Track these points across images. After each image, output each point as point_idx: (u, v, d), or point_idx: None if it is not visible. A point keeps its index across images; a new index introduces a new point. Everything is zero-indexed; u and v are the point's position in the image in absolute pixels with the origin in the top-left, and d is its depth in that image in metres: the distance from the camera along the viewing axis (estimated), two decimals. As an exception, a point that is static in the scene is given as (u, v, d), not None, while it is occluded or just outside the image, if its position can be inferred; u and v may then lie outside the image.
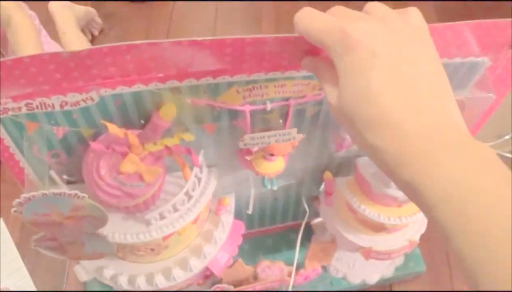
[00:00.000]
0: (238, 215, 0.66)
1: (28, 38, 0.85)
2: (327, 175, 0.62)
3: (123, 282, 0.58)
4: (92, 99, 0.43)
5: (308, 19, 0.33)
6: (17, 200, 0.41)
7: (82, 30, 1.15)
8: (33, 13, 0.99)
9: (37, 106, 0.42)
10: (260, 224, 0.77)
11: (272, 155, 0.50)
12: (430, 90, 0.30)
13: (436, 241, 0.80)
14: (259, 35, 0.36)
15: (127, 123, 0.46)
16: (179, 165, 0.49)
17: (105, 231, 0.49)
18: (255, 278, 0.71)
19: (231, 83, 0.43)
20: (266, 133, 0.46)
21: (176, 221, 0.52)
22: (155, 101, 0.44)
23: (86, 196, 0.42)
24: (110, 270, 0.58)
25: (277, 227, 0.80)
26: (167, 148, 0.47)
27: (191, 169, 0.52)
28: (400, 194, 0.53)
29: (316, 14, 0.33)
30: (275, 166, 0.52)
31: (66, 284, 0.79)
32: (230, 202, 0.63)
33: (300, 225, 0.73)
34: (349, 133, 0.33)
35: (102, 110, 0.44)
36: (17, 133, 0.45)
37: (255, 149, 0.52)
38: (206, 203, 0.55)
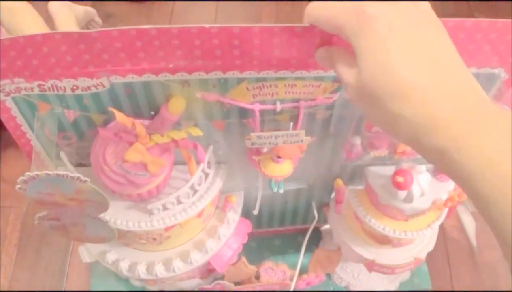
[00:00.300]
0: (247, 213, 0.65)
1: (34, 21, 0.85)
2: (338, 182, 0.61)
3: (123, 268, 0.58)
4: (103, 86, 0.43)
5: (320, 7, 0.33)
6: (22, 178, 0.42)
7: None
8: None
9: (49, 88, 0.43)
10: (268, 224, 0.77)
11: (279, 157, 0.49)
12: (448, 61, 0.30)
13: (436, 242, 0.78)
14: (267, 24, 0.36)
15: (137, 113, 0.47)
16: (185, 159, 0.49)
17: (107, 216, 0.50)
18: (257, 278, 0.70)
19: (240, 79, 0.42)
20: (274, 133, 0.45)
21: (178, 214, 0.52)
22: (164, 93, 0.44)
23: (88, 180, 0.42)
24: (112, 254, 0.59)
25: (286, 229, 0.79)
26: (174, 141, 0.47)
27: (198, 163, 0.51)
28: (406, 207, 0.52)
29: (327, 1, 0.33)
30: (282, 169, 0.51)
31: (66, 284, 0.80)
32: (238, 200, 0.62)
33: (309, 229, 0.73)
34: (369, 113, 0.32)
35: (112, 97, 0.45)
36: (29, 112, 0.46)
37: (265, 150, 0.51)
38: (212, 199, 0.55)
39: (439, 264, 0.81)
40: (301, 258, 0.68)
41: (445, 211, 0.57)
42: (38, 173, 0.41)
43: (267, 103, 0.45)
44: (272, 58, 0.40)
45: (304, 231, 0.74)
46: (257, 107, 0.45)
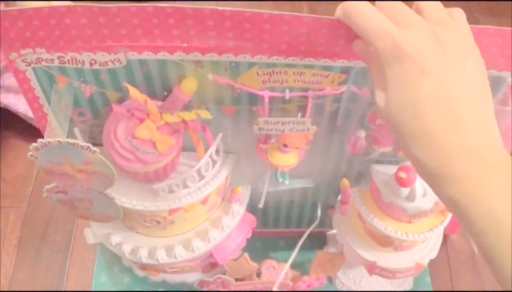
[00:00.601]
0: (253, 210, 0.66)
1: None
2: (344, 182, 0.62)
3: (126, 251, 0.59)
4: (120, 62, 0.45)
5: (360, 14, 0.33)
6: (34, 144, 0.43)
7: None
8: None
9: (68, 61, 0.45)
10: (274, 224, 0.77)
11: (285, 145, 0.50)
12: (474, 111, 0.31)
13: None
14: (277, 12, 0.37)
15: (151, 92, 0.48)
16: (193, 140, 0.50)
17: (113, 193, 0.51)
18: (258, 276, 0.70)
19: (251, 63, 0.43)
20: (281, 120, 0.46)
21: (183, 197, 0.53)
22: (178, 73, 0.46)
23: (98, 150, 0.44)
24: (116, 237, 0.60)
25: (292, 231, 0.79)
26: (183, 121, 0.48)
27: (206, 149, 0.53)
28: (409, 206, 0.52)
29: (369, 8, 0.33)
30: (288, 159, 0.52)
31: (66, 284, 0.80)
32: (244, 192, 0.63)
33: (316, 233, 0.73)
34: (395, 138, 0.34)
35: (128, 75, 0.46)
36: (48, 85, 0.48)
37: (272, 140, 0.52)
38: (217, 186, 0.56)
39: (439, 264, 0.81)
40: (294, 254, 0.68)
41: (449, 216, 0.57)
42: (50, 140, 0.43)
43: (277, 91, 0.47)
44: (281, 44, 0.41)
45: (310, 235, 0.75)
46: (266, 93, 0.46)
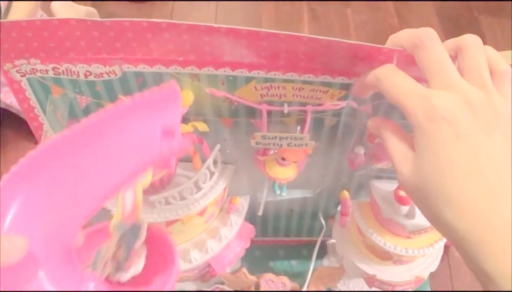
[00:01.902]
0: (252, 220, 0.65)
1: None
2: (344, 194, 0.61)
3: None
4: (115, 73, 0.44)
5: (392, 77, 0.33)
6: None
7: None
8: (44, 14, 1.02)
9: (63, 72, 0.44)
10: (274, 233, 0.76)
11: (283, 159, 0.49)
12: (506, 182, 0.29)
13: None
14: (273, 31, 0.36)
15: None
16: (190, 152, 0.49)
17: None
18: (257, 288, 0.69)
19: (249, 78, 0.43)
20: (279, 135, 0.45)
21: (180, 209, 0.52)
22: (175, 85, 0.45)
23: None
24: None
25: (291, 241, 0.78)
26: (180, 134, 0.47)
27: (204, 161, 0.52)
28: (408, 224, 0.51)
29: (399, 73, 0.33)
30: (286, 172, 0.51)
31: None
32: (243, 203, 0.62)
33: (314, 242, 0.72)
34: (420, 206, 0.32)
35: (124, 86, 0.45)
36: (43, 95, 0.47)
37: (271, 152, 0.51)
38: (215, 197, 0.55)
39: (439, 264, 0.80)
40: (310, 273, 0.67)
41: None
42: None
43: (275, 105, 0.46)
44: (279, 60, 0.40)
45: (309, 244, 0.74)
46: (264, 107, 0.45)
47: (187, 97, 0.45)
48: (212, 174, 0.54)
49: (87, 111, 0.49)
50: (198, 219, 0.57)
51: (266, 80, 0.43)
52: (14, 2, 0.80)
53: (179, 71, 0.43)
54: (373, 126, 0.37)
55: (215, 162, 0.54)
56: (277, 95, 0.44)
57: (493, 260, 0.28)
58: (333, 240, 0.74)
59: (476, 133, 0.29)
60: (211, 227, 0.61)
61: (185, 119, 0.48)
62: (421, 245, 0.56)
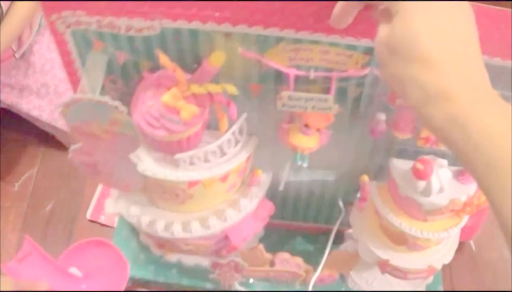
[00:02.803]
0: (273, 199, 0.67)
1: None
2: (364, 178, 0.62)
3: (143, 222, 0.60)
4: (154, 29, 0.46)
5: None
6: (65, 100, 0.45)
7: None
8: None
9: (106, 25, 0.47)
10: (293, 216, 0.77)
11: (307, 126, 0.50)
12: (470, 45, 0.33)
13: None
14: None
15: (182, 64, 0.49)
16: (218, 114, 0.51)
17: (136, 158, 0.53)
18: (272, 266, 0.71)
19: (279, 38, 0.45)
20: (304, 95, 0.47)
21: (203, 170, 0.54)
22: (209, 45, 0.47)
23: (126, 110, 0.45)
24: (136, 208, 0.61)
25: (310, 226, 0.79)
26: (209, 95, 0.49)
27: (230, 126, 0.54)
28: (424, 202, 0.52)
29: None
30: (309, 141, 0.52)
31: None
32: (264, 178, 0.64)
33: (332, 231, 0.73)
34: (389, 70, 0.35)
35: (161, 44, 0.48)
36: (84, 48, 0.50)
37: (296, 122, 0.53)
38: (238, 165, 0.56)
39: None
40: (325, 256, 0.68)
41: (465, 219, 0.57)
42: (81, 97, 0.45)
43: (302, 70, 0.48)
44: (308, 17, 0.42)
45: (326, 232, 0.75)
46: (292, 71, 0.47)
47: (219, 57, 0.47)
48: (237, 141, 0.56)
49: (124, 69, 0.52)
50: (220, 185, 0.58)
51: (295, 41, 0.45)
52: (14, 2, 0.83)
53: (214, 29, 0.45)
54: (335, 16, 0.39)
55: (240, 131, 0.56)
56: (304, 58, 0.46)
57: (455, 104, 0.31)
58: (350, 230, 0.75)
59: (442, 4, 0.33)
60: (232, 198, 0.62)
61: (216, 82, 0.50)
62: (436, 228, 0.56)
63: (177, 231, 0.60)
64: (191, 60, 0.50)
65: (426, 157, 0.52)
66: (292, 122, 0.53)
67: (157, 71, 0.50)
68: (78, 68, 0.52)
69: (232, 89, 0.49)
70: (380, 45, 0.35)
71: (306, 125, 0.50)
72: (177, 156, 0.53)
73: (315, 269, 0.70)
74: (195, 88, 0.48)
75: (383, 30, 0.35)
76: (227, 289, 0.73)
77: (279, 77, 0.49)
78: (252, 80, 0.51)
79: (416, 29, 0.32)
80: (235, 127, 0.54)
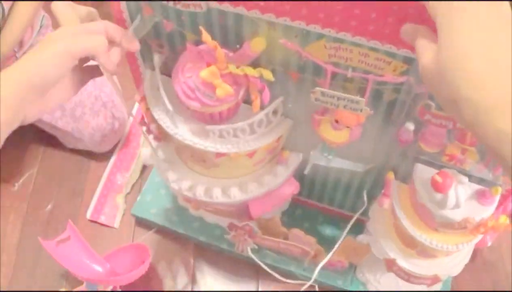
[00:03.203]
0: (301, 179, 0.68)
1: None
2: (390, 175, 0.62)
3: (170, 178, 0.64)
4: (201, 7, 0.47)
5: None
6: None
7: None
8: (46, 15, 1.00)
9: (155, -4, 0.48)
10: (318, 199, 0.79)
11: (337, 121, 0.51)
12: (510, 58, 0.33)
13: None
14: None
15: (224, 42, 0.51)
16: (252, 95, 0.52)
17: (169, 122, 0.55)
18: (285, 239, 0.73)
19: (320, 35, 0.45)
20: (337, 94, 0.47)
21: (231, 145, 0.56)
22: (252, 30, 0.48)
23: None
24: (165, 164, 0.65)
25: (333, 210, 0.81)
26: (246, 76, 0.50)
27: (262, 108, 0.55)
28: (438, 213, 0.52)
29: None
30: (337, 136, 0.53)
31: (66, 284, 0.80)
32: (294, 158, 0.65)
33: (356, 219, 0.73)
34: (437, 90, 0.35)
35: (207, 21, 0.49)
36: (134, 12, 0.52)
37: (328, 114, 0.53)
38: (267, 144, 0.58)
39: None
40: (339, 241, 0.70)
41: (478, 238, 0.57)
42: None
43: (340, 68, 0.48)
44: (351, 20, 0.42)
45: (348, 219, 0.75)
46: (330, 67, 0.47)
47: (260, 44, 0.48)
48: (269, 122, 0.57)
49: (170, 36, 0.54)
50: (247, 160, 0.60)
51: (335, 40, 0.45)
52: (16, 2, 0.82)
53: (258, 17, 0.46)
54: (405, 31, 0.39)
55: (275, 112, 0.57)
56: (343, 58, 0.46)
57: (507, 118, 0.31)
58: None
59: (492, 21, 0.33)
60: (258, 172, 0.64)
61: (256, 65, 0.51)
62: (447, 241, 0.56)
63: (200, 194, 0.63)
64: (234, 41, 0.51)
65: (448, 170, 0.52)
66: (324, 114, 0.53)
67: (201, 45, 0.52)
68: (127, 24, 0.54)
69: (269, 75, 0.50)
70: (426, 70, 0.35)
71: (337, 121, 0.51)
72: (208, 127, 0.55)
73: (326, 252, 0.72)
74: (233, 69, 0.50)
75: (427, 55, 0.35)
76: (239, 252, 0.76)
77: (318, 70, 0.49)
78: (291, 69, 0.51)
79: (463, 49, 0.32)
80: (268, 109, 0.55)
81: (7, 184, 0.91)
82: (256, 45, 0.48)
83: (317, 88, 0.48)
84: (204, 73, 0.49)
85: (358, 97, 0.47)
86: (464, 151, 0.50)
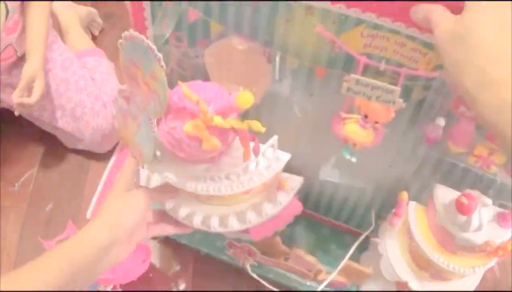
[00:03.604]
0: (309, 192, 0.66)
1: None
2: (403, 195, 0.60)
3: (168, 207, 0.62)
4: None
5: None
6: (125, 33, 0.43)
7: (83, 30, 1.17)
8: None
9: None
10: (325, 212, 0.77)
11: (366, 116, 0.49)
12: None
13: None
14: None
15: (254, 34, 0.49)
16: (242, 144, 0.49)
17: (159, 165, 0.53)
18: (286, 259, 0.72)
19: (359, 20, 0.44)
20: (372, 82, 0.45)
21: (224, 187, 0.53)
22: (287, 17, 0.46)
23: (164, 67, 0.43)
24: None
25: (339, 224, 0.78)
26: (233, 128, 0.46)
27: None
28: (460, 236, 0.52)
29: None
30: (364, 135, 0.51)
31: None
32: (292, 185, 0.61)
33: (359, 235, 0.71)
34: (452, 55, 0.37)
35: (237, 10, 0.47)
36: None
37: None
38: (262, 182, 0.55)
39: None
40: (343, 262, 0.68)
41: (494, 261, 0.56)
42: (137, 35, 0.42)
43: (374, 60, 0.46)
44: (392, 6, 0.41)
45: (353, 234, 0.73)
46: (363, 59, 0.46)
47: (247, 100, 0.44)
48: (268, 160, 0.54)
49: (192, 27, 0.51)
50: (243, 195, 0.57)
51: (374, 26, 0.43)
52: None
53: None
54: (415, 11, 0.41)
55: (273, 147, 0.53)
56: (379, 47, 0.45)
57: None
58: (377, 239, 0.73)
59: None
60: (254, 200, 0.61)
61: (242, 117, 0.47)
62: (464, 264, 0.56)
63: (196, 222, 0.61)
64: (264, 31, 0.49)
65: (472, 192, 0.51)
66: (350, 113, 0.51)
67: (227, 36, 0.50)
68: (146, 17, 0.52)
69: (258, 126, 0.46)
70: (444, 33, 0.38)
71: (366, 117, 0.49)
72: (198, 173, 0.52)
73: (328, 272, 0.70)
74: (219, 122, 0.46)
75: (449, 21, 0.38)
76: (241, 266, 0.76)
77: (348, 64, 0.49)
78: (320, 63, 0.50)
79: (482, 22, 0.37)
80: (263, 149, 0.52)
81: (7, 184, 0.91)
82: (241, 101, 0.44)
83: (352, 75, 0.46)
84: (188, 127, 0.46)
85: (393, 87, 0.45)
86: (492, 152, 0.50)
